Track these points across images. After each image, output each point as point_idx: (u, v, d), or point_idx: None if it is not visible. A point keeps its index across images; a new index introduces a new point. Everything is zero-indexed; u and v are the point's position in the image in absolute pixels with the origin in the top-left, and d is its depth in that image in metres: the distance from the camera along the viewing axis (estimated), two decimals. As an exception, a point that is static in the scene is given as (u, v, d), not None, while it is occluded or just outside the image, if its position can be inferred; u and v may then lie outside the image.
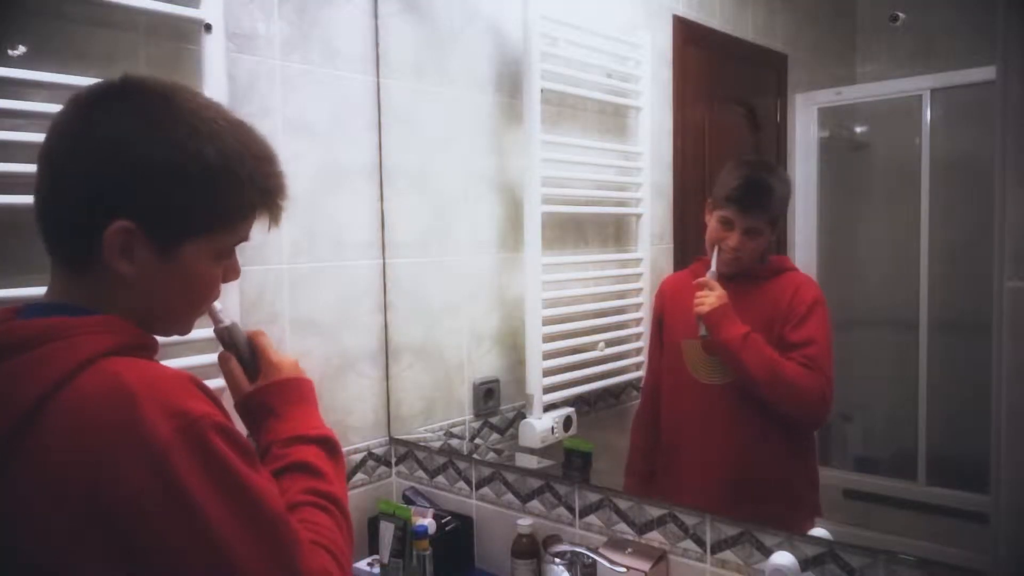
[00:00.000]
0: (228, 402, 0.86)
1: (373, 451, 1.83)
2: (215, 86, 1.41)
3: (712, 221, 1.49)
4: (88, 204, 0.73)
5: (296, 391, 0.92)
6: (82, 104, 0.75)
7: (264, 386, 0.91)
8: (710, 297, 1.42)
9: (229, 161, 0.76)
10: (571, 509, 1.54)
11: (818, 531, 1.23)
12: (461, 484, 1.74)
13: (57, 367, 0.68)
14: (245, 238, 0.84)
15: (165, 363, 0.77)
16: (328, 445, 0.89)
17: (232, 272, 0.85)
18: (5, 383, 0.69)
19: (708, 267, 1.46)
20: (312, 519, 0.80)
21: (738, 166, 1.53)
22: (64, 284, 0.78)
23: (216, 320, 0.95)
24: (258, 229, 0.85)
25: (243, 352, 0.95)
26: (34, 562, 0.67)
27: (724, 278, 1.45)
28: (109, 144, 0.73)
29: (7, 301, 1.15)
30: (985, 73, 1.00)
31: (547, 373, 1.75)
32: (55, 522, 0.66)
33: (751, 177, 1.50)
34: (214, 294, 0.85)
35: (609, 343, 1.81)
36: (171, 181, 0.74)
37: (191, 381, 0.73)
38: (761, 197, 1.46)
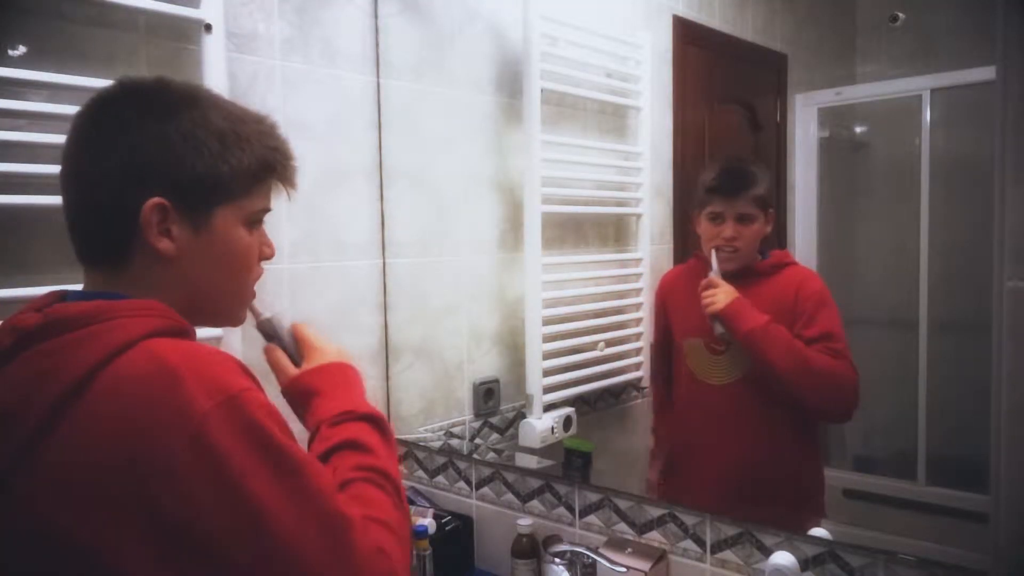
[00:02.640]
0: (273, 392, 0.85)
1: (373, 451, 1.83)
2: (215, 86, 1.40)
3: (702, 223, 1.48)
4: (117, 191, 0.76)
5: (341, 374, 0.93)
6: (86, 113, 0.79)
7: (309, 370, 0.92)
8: (719, 294, 1.40)
9: (233, 123, 0.80)
10: (571, 509, 1.54)
11: (818, 531, 1.23)
12: (461, 484, 1.74)
13: (100, 346, 0.69)
14: (268, 207, 0.86)
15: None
16: (377, 422, 0.88)
17: (267, 248, 0.88)
18: (48, 361, 0.69)
19: (708, 266, 1.45)
20: (364, 494, 0.78)
21: (712, 162, 1.57)
22: (103, 281, 0.79)
23: (256, 315, 0.96)
24: (277, 202, 0.88)
25: (287, 342, 0.97)
26: (70, 534, 0.66)
27: (727, 277, 1.44)
28: (121, 133, 0.76)
29: (7, 301, 1.15)
30: (985, 73, 1.00)
31: (547, 373, 1.75)
32: (94, 495, 0.66)
33: (728, 165, 1.53)
34: (255, 268, 0.87)
35: (609, 343, 1.82)
36: (187, 150, 0.77)
37: (233, 360, 0.74)
38: (743, 179, 1.46)
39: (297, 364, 0.95)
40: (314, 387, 0.90)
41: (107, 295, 0.76)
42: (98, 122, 0.78)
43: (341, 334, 1.76)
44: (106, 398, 0.68)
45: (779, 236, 1.57)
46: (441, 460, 1.79)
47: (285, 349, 0.96)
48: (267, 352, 0.96)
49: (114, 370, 0.69)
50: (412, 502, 1.75)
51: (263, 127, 0.84)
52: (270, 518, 0.66)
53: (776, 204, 1.60)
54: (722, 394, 1.47)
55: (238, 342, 1.41)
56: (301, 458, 0.71)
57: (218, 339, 1.40)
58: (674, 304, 1.59)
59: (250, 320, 0.96)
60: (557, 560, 1.40)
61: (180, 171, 0.76)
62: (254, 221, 0.85)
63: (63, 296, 0.79)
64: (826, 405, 1.40)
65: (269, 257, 0.88)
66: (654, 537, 1.41)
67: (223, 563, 0.66)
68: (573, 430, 1.79)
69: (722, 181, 1.47)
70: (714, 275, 1.43)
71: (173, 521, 0.65)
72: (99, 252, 0.79)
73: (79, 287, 0.81)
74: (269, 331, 0.97)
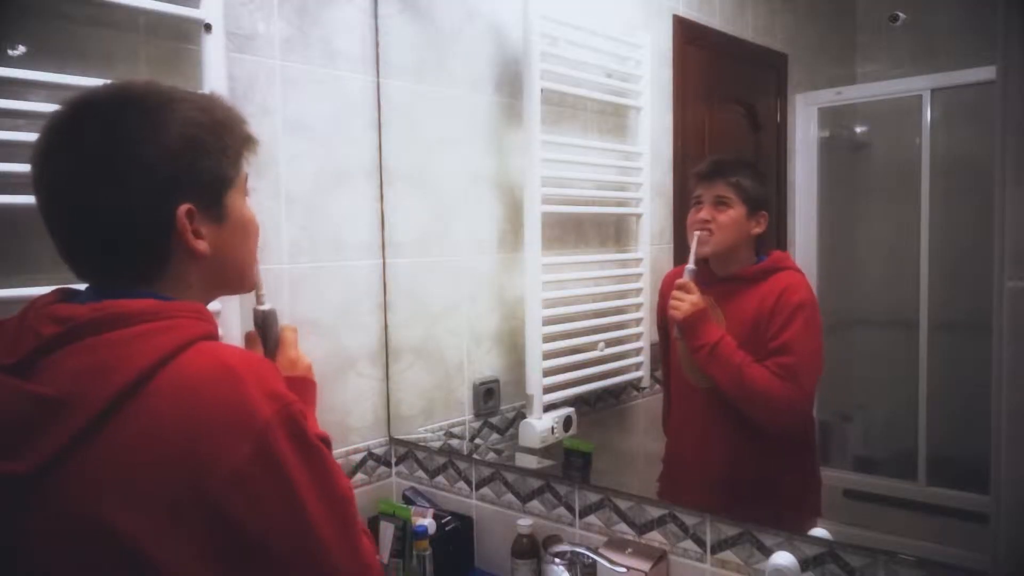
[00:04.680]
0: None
1: (373, 451, 1.83)
2: (215, 86, 1.41)
3: (690, 210, 1.51)
4: (143, 212, 0.76)
5: (306, 392, 0.97)
6: (63, 143, 0.77)
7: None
8: (684, 303, 1.42)
9: (209, 113, 0.82)
10: (571, 509, 1.54)
11: (818, 531, 1.23)
12: (461, 484, 1.74)
13: (164, 342, 0.71)
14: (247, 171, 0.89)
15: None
16: (329, 446, 0.92)
17: None
18: (108, 353, 0.70)
19: (703, 264, 1.45)
20: None
21: None
22: (129, 283, 0.78)
23: (259, 300, 0.99)
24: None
25: (270, 338, 1.00)
26: (114, 526, 0.67)
27: (718, 280, 1.45)
28: (121, 154, 0.75)
29: (7, 301, 1.15)
30: (985, 73, 1.00)
31: (547, 373, 1.75)
32: (148, 490, 0.67)
33: (714, 156, 1.59)
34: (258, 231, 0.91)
35: (609, 343, 1.81)
36: (191, 153, 0.78)
37: (274, 366, 0.80)
38: (721, 165, 1.49)
39: None
40: None
41: (150, 294, 0.77)
42: (81, 151, 0.76)
43: (341, 334, 1.76)
44: (170, 396, 0.69)
45: (779, 236, 1.57)
46: (441, 460, 1.79)
47: (265, 344, 0.99)
48: (249, 339, 0.99)
49: (176, 368, 0.70)
50: (412, 502, 1.75)
51: (227, 106, 0.86)
52: (316, 524, 0.72)
53: (774, 205, 1.59)
54: (709, 395, 1.47)
55: (237, 336, 1.41)
56: (336, 470, 0.78)
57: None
58: None
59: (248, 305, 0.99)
60: (557, 560, 1.40)
61: (192, 174, 0.78)
62: (247, 190, 0.88)
63: (74, 293, 0.79)
64: (764, 422, 1.41)
65: None
66: (654, 537, 1.41)
67: (265, 561, 0.70)
68: (573, 430, 1.79)
69: (703, 166, 1.52)
70: (688, 274, 1.44)
71: (234, 522, 0.68)
72: (128, 268, 0.79)
73: (77, 287, 0.81)
74: (259, 321, 1.00)
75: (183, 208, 0.77)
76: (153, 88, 0.81)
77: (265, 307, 1.00)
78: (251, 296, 0.99)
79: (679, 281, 1.44)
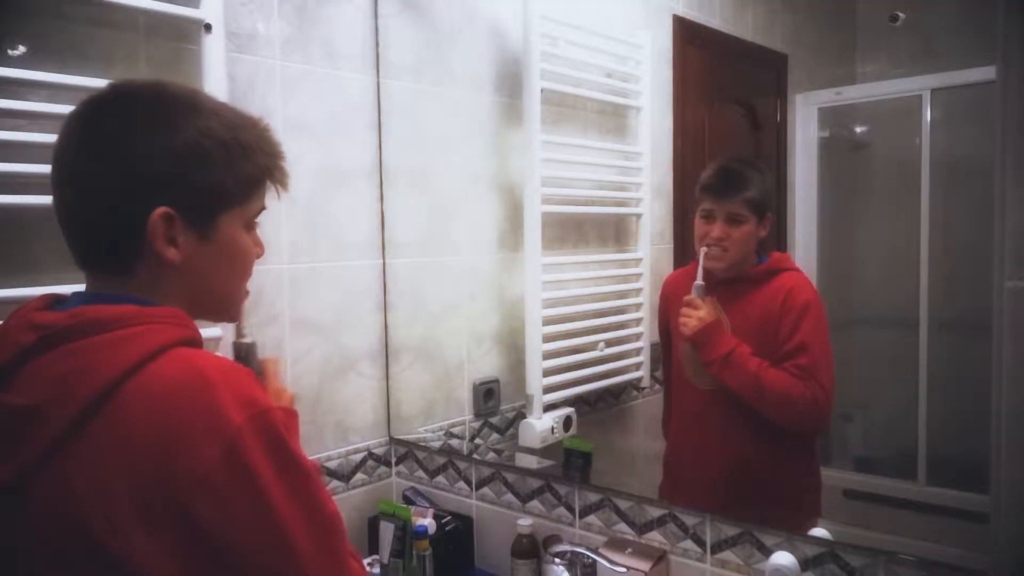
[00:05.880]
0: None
1: (373, 451, 1.83)
2: (215, 86, 1.41)
3: (696, 220, 1.49)
4: (123, 201, 0.76)
5: (290, 423, 0.98)
6: (84, 117, 0.78)
7: None
8: (692, 318, 1.41)
9: (235, 131, 0.80)
10: (571, 509, 1.54)
11: (818, 531, 1.23)
12: (461, 484, 1.74)
13: (137, 348, 0.70)
14: (263, 206, 0.87)
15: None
16: (319, 473, 0.94)
17: (259, 248, 0.89)
18: (82, 359, 0.70)
19: (702, 267, 1.44)
20: None
21: (713, 161, 1.57)
22: (117, 286, 0.78)
23: (240, 333, 0.99)
24: (275, 202, 0.88)
25: (253, 371, 0.98)
26: (93, 534, 0.67)
27: (720, 282, 1.45)
28: (123, 142, 0.76)
29: (7, 301, 1.15)
30: (985, 73, 1.00)
31: (547, 373, 1.75)
32: (124, 496, 0.67)
33: (724, 165, 1.53)
34: (252, 268, 0.89)
35: (609, 343, 1.82)
36: (193, 162, 0.77)
37: (253, 375, 0.77)
38: (736, 180, 1.46)
39: None
40: None
41: (132, 299, 0.76)
42: (96, 129, 0.77)
43: (341, 334, 1.76)
44: (141, 401, 0.68)
45: (779, 236, 1.57)
46: (441, 460, 1.79)
47: None
48: None
49: (149, 374, 0.70)
50: (412, 502, 1.75)
51: (260, 132, 0.84)
52: (290, 534, 0.70)
53: (776, 205, 1.60)
54: (712, 397, 1.47)
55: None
56: (317, 480, 0.76)
57: (218, 339, 1.40)
58: (674, 307, 1.59)
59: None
60: (557, 560, 1.40)
61: (186, 182, 0.77)
62: (252, 223, 0.86)
63: (61, 300, 0.79)
64: (786, 424, 1.40)
65: (260, 256, 0.89)
66: (654, 537, 1.41)
67: (239, 568, 0.69)
68: (573, 430, 1.79)
69: (715, 180, 1.48)
70: (696, 290, 1.42)
71: (202, 527, 0.67)
72: (103, 258, 0.78)
73: (76, 288, 0.81)
74: (242, 355, 1.00)
75: (159, 211, 0.75)
76: (188, 94, 0.81)
77: (246, 340, 0.99)
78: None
79: (687, 298, 1.43)
